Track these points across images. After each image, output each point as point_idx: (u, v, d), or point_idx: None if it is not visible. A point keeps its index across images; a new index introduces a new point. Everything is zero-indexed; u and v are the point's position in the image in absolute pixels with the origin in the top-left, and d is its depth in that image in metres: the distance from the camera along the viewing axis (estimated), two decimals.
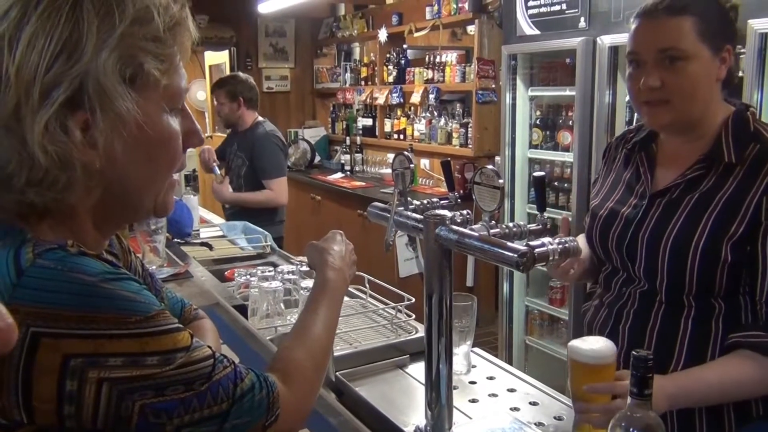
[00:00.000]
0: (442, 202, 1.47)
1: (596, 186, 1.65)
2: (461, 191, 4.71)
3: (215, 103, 4.05)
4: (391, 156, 5.79)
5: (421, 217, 1.32)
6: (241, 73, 4.11)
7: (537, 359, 3.65)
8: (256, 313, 1.72)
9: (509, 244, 1.15)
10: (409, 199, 1.44)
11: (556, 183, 3.43)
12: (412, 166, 1.45)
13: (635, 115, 3.01)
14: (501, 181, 1.24)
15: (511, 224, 1.28)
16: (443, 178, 4.19)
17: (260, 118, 3.94)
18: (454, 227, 1.24)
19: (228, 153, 4.03)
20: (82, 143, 0.73)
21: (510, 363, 2.72)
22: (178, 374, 0.75)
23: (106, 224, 0.83)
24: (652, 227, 1.40)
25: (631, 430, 1.02)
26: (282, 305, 1.75)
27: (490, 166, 1.28)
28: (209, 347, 0.81)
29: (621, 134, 1.66)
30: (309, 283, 1.79)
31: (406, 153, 1.49)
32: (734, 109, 1.41)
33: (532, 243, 1.14)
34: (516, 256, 1.10)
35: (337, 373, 1.57)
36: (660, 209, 1.41)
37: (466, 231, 1.22)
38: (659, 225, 1.39)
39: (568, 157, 3.24)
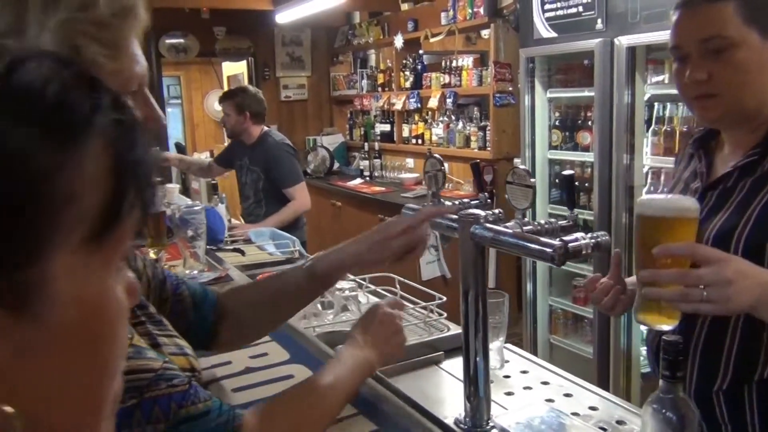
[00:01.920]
0: (473, 202, 1.52)
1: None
2: (484, 193, 4.70)
3: (222, 113, 4.11)
4: (410, 161, 5.87)
5: (455, 216, 1.37)
6: (250, 87, 4.14)
7: (562, 358, 3.68)
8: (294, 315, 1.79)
9: (543, 239, 1.21)
10: (441, 200, 1.50)
11: (576, 183, 3.48)
12: (444, 167, 1.51)
13: (654, 113, 3.05)
14: (533, 180, 1.29)
15: (542, 221, 1.33)
16: (462, 181, 4.18)
17: (266, 129, 3.97)
18: (489, 225, 1.30)
19: (238, 168, 4.06)
20: None
21: None
22: None
23: None
24: (700, 222, 1.29)
25: (663, 411, 1.07)
26: (319, 306, 1.81)
27: (522, 166, 1.34)
28: (164, 362, 0.78)
29: (692, 136, 1.55)
30: (343, 284, 1.85)
31: (437, 156, 1.55)
32: None
33: (565, 238, 1.19)
34: (551, 250, 1.15)
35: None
36: (711, 201, 1.32)
37: (501, 228, 1.27)
38: (707, 218, 1.30)
39: (588, 157, 3.28)
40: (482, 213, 1.33)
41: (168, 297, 1.11)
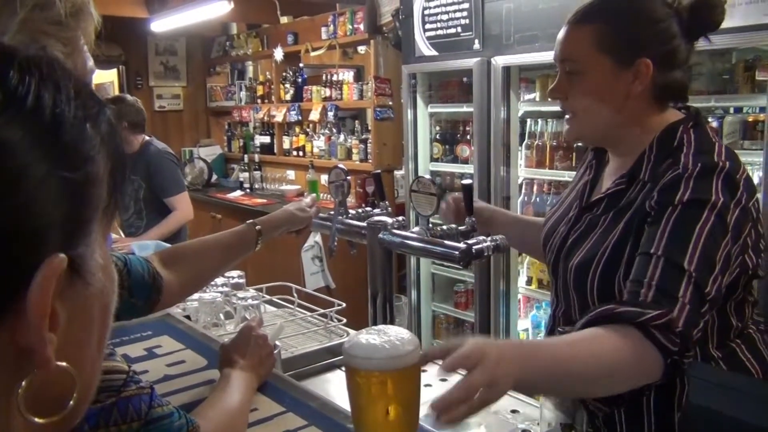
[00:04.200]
0: (375, 210, 1.61)
1: None
2: (363, 204, 4.83)
3: None
4: (291, 172, 5.89)
5: (364, 224, 1.45)
6: (128, 96, 4.01)
7: None
8: (198, 325, 1.78)
9: (448, 242, 1.31)
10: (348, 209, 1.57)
11: (456, 193, 3.66)
12: (348, 177, 1.59)
13: (527, 128, 3.29)
14: (436, 188, 1.39)
15: (444, 227, 1.43)
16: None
17: (147, 138, 3.88)
18: (396, 231, 1.38)
19: None
20: None
21: None
22: None
23: None
24: (569, 246, 1.32)
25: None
26: (222, 315, 1.82)
27: (426, 176, 1.43)
28: (128, 366, 0.83)
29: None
30: (243, 293, 1.87)
31: (341, 166, 1.62)
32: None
33: (469, 241, 1.29)
34: (457, 252, 1.25)
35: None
36: (583, 227, 1.31)
37: (408, 234, 1.37)
38: (575, 245, 1.30)
39: (468, 168, 3.47)
40: (389, 220, 1.42)
41: None
